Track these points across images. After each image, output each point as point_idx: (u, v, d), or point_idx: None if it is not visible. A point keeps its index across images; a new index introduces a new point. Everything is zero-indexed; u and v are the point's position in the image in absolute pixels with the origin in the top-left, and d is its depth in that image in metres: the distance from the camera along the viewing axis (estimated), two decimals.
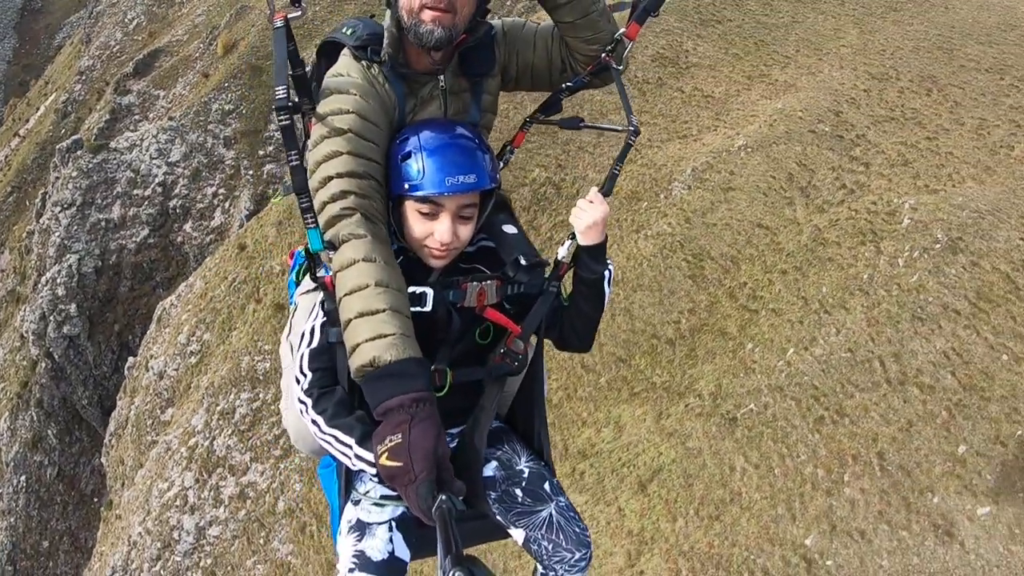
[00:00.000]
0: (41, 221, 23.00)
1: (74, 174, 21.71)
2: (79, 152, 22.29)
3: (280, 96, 2.14)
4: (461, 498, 1.96)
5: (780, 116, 15.06)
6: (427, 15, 2.19)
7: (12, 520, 22.38)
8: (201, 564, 14.73)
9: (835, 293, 11.37)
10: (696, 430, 10.53)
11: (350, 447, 2.17)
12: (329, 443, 2.22)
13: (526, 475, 2.57)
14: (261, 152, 21.53)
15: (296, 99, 2.28)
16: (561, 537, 2.46)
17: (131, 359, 19.38)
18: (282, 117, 2.16)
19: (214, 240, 20.30)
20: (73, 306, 20.68)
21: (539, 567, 2.56)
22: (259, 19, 25.45)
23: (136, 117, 24.40)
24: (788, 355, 10.83)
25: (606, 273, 2.50)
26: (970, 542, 8.22)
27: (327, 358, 2.31)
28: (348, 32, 2.38)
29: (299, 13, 2.23)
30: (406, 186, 2.23)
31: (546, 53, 2.59)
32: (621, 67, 2.54)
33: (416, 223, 2.29)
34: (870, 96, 15.93)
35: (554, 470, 2.69)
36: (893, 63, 17.15)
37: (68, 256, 21.05)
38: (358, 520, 2.43)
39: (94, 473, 21.40)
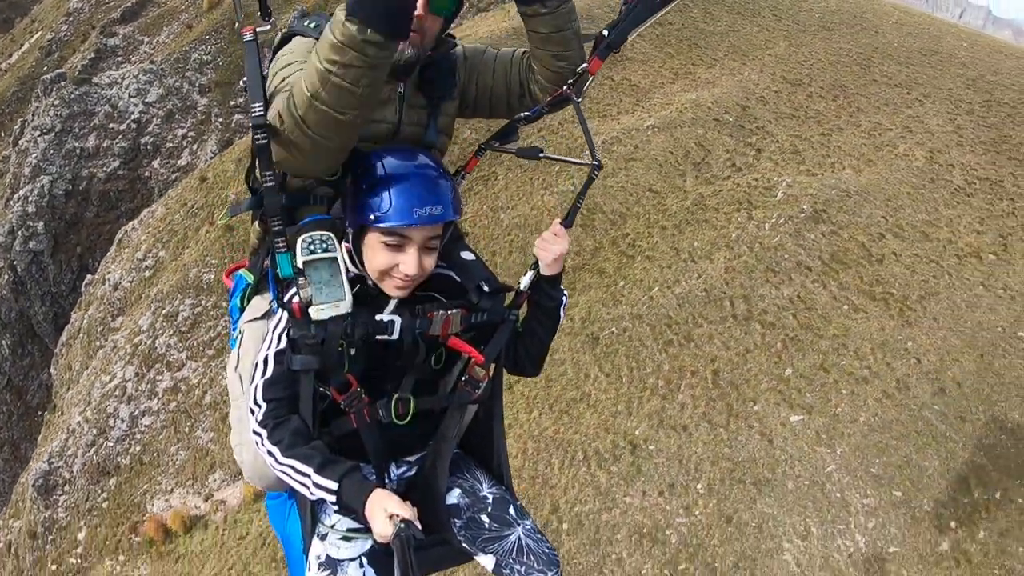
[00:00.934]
0: (20, 143, 24.36)
1: (56, 103, 23.15)
2: (62, 83, 23.75)
3: (257, 114, 2.08)
4: (420, 528, 2.04)
5: (691, 105, 16.91)
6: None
7: None
8: (131, 451, 16.20)
9: (704, 247, 13.13)
10: (563, 346, 12.25)
11: (308, 476, 2.15)
12: (287, 474, 2.20)
13: (490, 501, 2.58)
14: (232, 103, 23.08)
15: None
16: (532, 559, 2.47)
17: (89, 276, 20.78)
18: (259, 135, 2.09)
19: (179, 178, 21.76)
20: (41, 224, 22.08)
21: None
22: None
23: (119, 59, 25.88)
24: (652, 292, 12.60)
25: (563, 299, 2.56)
26: (779, 440, 9.75)
27: (283, 387, 2.26)
28: (312, 25, 2.35)
29: (268, 28, 2.22)
30: (371, 217, 2.17)
31: (505, 78, 2.64)
32: (580, 99, 2.56)
33: (380, 254, 2.23)
34: (779, 96, 17.78)
35: (515, 494, 2.72)
36: (809, 72, 18.90)
37: (42, 177, 22.43)
38: (328, 557, 2.43)
39: (41, 387, 22.67)
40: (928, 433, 9.30)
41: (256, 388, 2.26)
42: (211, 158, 22.00)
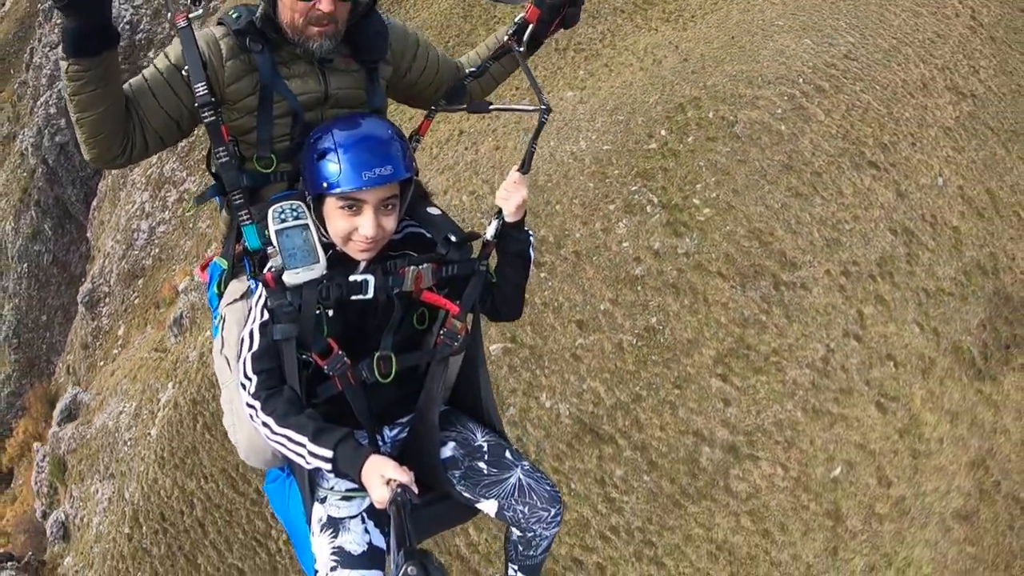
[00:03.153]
0: (33, 61, 28.83)
1: (59, 22, 27.57)
2: None
3: (201, 93, 2.32)
4: (417, 492, 2.12)
5: None
6: (313, 31, 2.38)
7: (16, 301, 28.24)
8: (152, 253, 20.79)
9: None
10: None
11: (303, 445, 2.23)
12: (282, 444, 2.27)
13: (486, 448, 2.62)
14: None
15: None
16: (534, 498, 2.52)
17: None
18: (206, 113, 2.35)
19: None
20: (63, 120, 26.36)
21: (515, 531, 2.65)
22: None
23: None
24: None
25: (531, 240, 2.61)
26: (556, 107, 13.61)
27: (271, 358, 2.34)
28: (234, 16, 2.45)
29: (199, 12, 2.35)
30: (324, 184, 2.26)
31: (439, 84, 2.88)
32: (522, 48, 2.71)
33: (339, 219, 2.32)
34: None
35: (508, 439, 2.75)
36: None
37: (56, 84, 26.80)
38: (329, 517, 2.49)
39: (81, 258, 27.25)
40: (660, 82, 11.59)
41: (244, 362, 2.34)
42: None
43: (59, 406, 18.12)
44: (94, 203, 25.19)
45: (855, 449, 8.60)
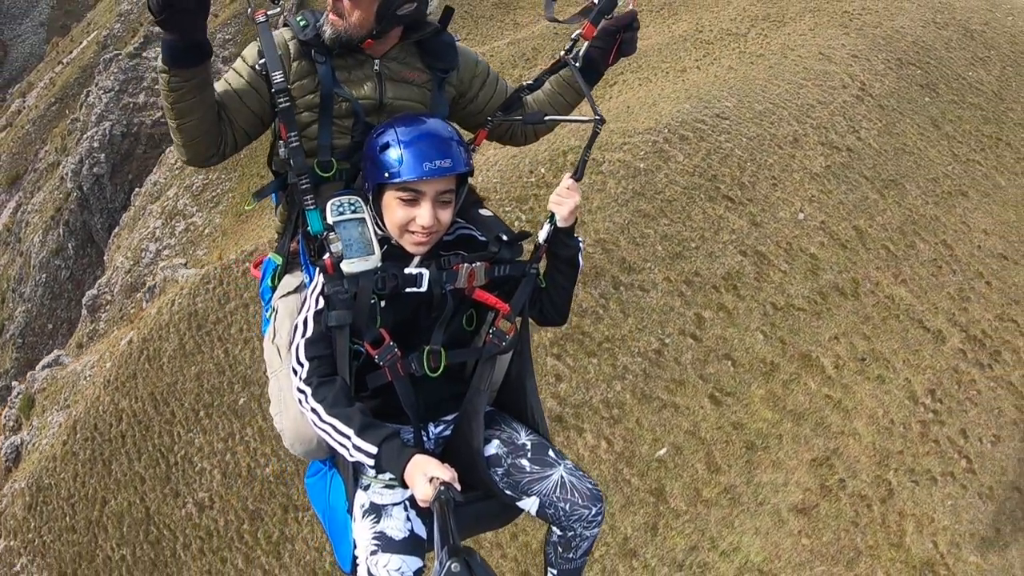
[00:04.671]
0: (88, 100, 32.10)
1: (115, 71, 30.82)
2: (119, 58, 31.56)
3: (279, 80, 2.46)
4: (460, 490, 2.10)
5: None
6: (331, 17, 2.55)
7: (29, 306, 30.62)
8: (153, 272, 22.70)
9: None
10: None
11: (348, 437, 2.27)
12: (328, 432, 2.32)
13: (529, 447, 2.61)
14: None
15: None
16: (576, 495, 2.49)
17: (137, 188, 27.76)
18: (282, 99, 2.46)
19: None
20: (103, 155, 29.40)
21: (555, 530, 2.60)
22: None
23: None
24: None
25: (580, 246, 2.64)
26: None
27: (324, 345, 2.40)
28: (300, 21, 2.60)
29: (277, 10, 2.51)
30: (386, 174, 2.34)
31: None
32: (578, 64, 2.78)
33: (398, 210, 2.39)
34: None
35: (552, 441, 2.75)
36: None
37: (104, 123, 29.80)
38: (372, 503, 2.50)
39: (95, 280, 29.51)
40: (554, 137, 10.99)
41: (298, 348, 2.41)
42: None
43: (42, 362, 19.73)
44: (115, 230, 27.47)
45: (684, 435, 8.96)
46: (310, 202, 2.48)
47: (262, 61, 2.54)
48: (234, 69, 2.64)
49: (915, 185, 11.67)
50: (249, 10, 2.45)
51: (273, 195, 2.87)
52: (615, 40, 2.75)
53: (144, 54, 31.70)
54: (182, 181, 24.45)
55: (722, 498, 8.74)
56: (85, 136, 30.19)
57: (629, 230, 10.66)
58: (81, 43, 41.49)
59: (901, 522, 8.00)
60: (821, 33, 14.92)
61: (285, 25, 2.66)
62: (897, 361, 9.33)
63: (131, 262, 23.33)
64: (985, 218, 11.43)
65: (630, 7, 2.75)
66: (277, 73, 2.48)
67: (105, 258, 27.42)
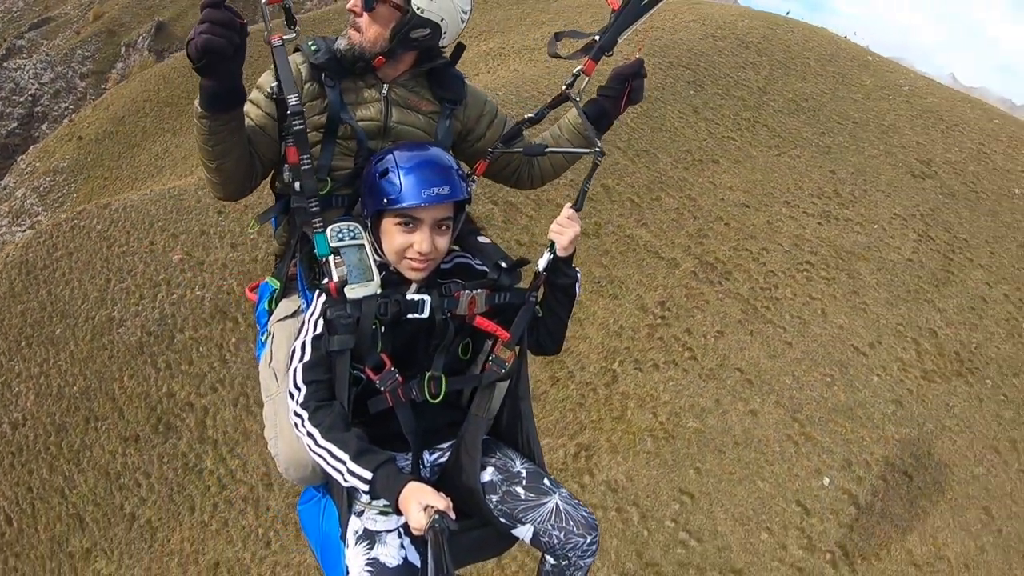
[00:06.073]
0: None
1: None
2: None
3: (294, 103, 2.41)
4: (455, 518, 2.07)
5: None
6: (350, 32, 2.58)
7: None
8: None
9: None
10: None
11: (344, 463, 2.22)
12: (323, 458, 2.27)
13: (524, 475, 2.56)
14: (103, 86, 30.98)
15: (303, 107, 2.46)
16: (571, 523, 2.44)
17: None
18: (297, 122, 2.41)
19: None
20: None
21: (549, 559, 2.53)
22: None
23: (24, 55, 33.82)
24: None
25: (578, 276, 2.61)
26: None
27: (323, 370, 2.36)
28: (312, 47, 2.62)
29: (293, 35, 2.51)
30: (385, 201, 2.34)
31: (508, 155, 2.97)
32: (579, 99, 2.79)
33: (396, 236, 2.39)
34: None
35: (547, 470, 2.70)
36: None
37: None
38: (365, 530, 2.47)
39: None
40: None
41: (295, 371, 2.36)
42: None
43: None
44: None
45: None
46: (318, 224, 2.44)
47: (274, 84, 2.53)
48: (251, 101, 2.62)
49: (667, 155, 12.08)
50: (265, 35, 2.43)
51: (272, 219, 2.83)
52: (625, 87, 2.81)
53: (4, 65, 31.94)
54: (30, 183, 24.43)
55: None
56: None
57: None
58: None
59: (624, 401, 8.41)
60: None
61: (296, 50, 2.68)
62: (631, 282, 9.84)
63: None
64: (733, 179, 12.06)
65: (637, 55, 2.80)
66: (293, 96, 2.43)
67: None
